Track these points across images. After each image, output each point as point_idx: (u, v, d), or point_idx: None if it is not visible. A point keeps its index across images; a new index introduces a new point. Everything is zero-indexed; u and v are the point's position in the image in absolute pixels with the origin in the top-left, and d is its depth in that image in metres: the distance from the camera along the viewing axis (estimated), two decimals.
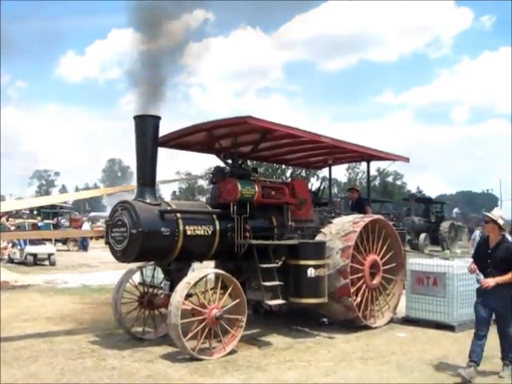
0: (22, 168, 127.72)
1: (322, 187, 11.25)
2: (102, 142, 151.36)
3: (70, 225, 33.54)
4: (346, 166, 69.09)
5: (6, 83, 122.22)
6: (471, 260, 6.57)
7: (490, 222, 6.34)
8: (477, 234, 17.09)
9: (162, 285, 7.95)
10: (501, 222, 6.25)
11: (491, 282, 5.96)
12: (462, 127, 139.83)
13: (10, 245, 21.21)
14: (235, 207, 7.97)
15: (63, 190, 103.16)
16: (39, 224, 26.61)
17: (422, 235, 28.84)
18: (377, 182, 71.04)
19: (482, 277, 6.06)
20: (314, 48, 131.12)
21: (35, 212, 31.79)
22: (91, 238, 28.98)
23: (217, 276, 7.59)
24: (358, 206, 10.92)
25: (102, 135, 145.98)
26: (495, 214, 6.40)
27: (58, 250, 22.16)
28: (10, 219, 27.11)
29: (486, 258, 6.23)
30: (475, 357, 6.10)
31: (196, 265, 8.65)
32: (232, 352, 7.09)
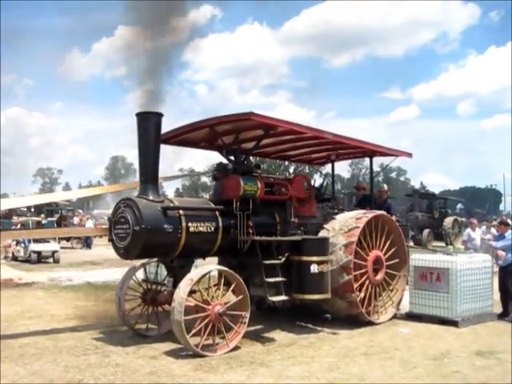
0: (26, 166, 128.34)
1: (324, 183, 11.23)
2: (105, 139, 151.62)
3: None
4: (349, 161, 68.94)
5: (13, 81, 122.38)
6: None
7: None
8: (469, 232, 15.01)
9: (166, 281, 7.97)
10: None
11: None
12: (468, 122, 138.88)
13: (14, 243, 21.26)
14: (238, 203, 7.97)
15: (67, 187, 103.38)
16: (43, 222, 26.66)
17: (426, 231, 28.80)
18: (380, 178, 70.84)
19: None
20: (320, 43, 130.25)
21: (33, 210, 31.93)
22: (95, 236, 29.05)
23: (220, 272, 7.60)
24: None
25: (106, 132, 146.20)
26: None
27: (61, 248, 22.20)
28: (14, 217, 27.21)
29: None
30: None
31: (199, 261, 8.66)
32: (235, 348, 7.10)
